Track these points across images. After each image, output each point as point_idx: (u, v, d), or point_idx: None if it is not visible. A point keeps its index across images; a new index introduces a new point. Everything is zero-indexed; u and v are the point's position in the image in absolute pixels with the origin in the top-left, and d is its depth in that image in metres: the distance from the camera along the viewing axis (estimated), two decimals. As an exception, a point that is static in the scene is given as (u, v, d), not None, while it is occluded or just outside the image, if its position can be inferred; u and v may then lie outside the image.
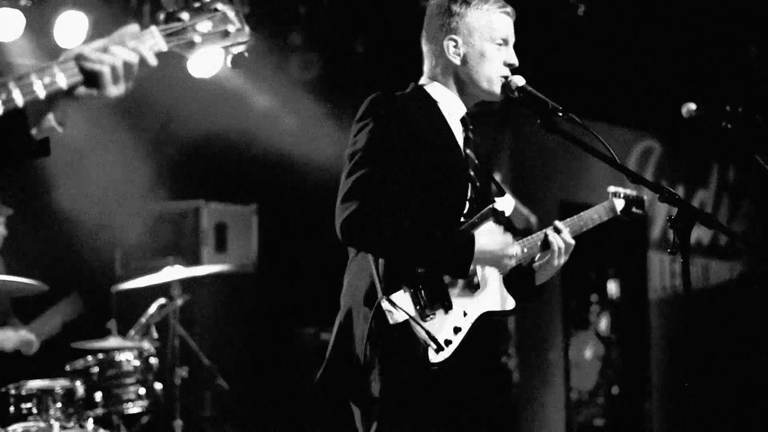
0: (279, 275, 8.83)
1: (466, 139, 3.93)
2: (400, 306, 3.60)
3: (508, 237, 3.79)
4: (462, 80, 3.93)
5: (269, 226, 9.22)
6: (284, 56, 8.35)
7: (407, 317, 3.60)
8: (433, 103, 3.92)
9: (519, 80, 3.87)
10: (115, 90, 2.61)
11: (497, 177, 4.54)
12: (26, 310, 7.03)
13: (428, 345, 3.60)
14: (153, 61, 2.65)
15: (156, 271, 7.43)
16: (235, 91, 8.39)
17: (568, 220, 4.09)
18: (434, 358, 3.61)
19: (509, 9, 3.98)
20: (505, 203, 3.93)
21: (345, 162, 3.73)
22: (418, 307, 3.64)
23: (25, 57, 7.71)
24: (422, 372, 3.63)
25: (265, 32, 7.89)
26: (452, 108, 3.94)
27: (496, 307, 3.85)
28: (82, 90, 2.62)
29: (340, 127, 7.72)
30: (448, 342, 3.66)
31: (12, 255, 7.16)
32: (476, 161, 3.93)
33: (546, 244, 3.99)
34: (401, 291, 3.64)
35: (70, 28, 7.62)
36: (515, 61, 3.94)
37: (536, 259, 4.06)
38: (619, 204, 4.26)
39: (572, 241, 4.01)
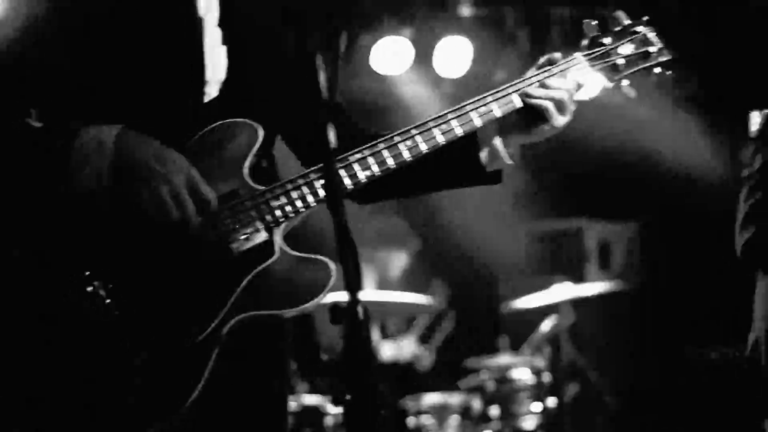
0: (664, 293, 8.67)
1: None
2: None
3: None
4: None
5: (653, 243, 9.09)
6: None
7: None
8: None
9: None
10: (561, 119, 2.71)
11: None
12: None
13: None
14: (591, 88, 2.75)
15: (540, 290, 7.52)
16: (615, 109, 8.35)
17: None
18: None
19: None
20: None
21: (743, 182, 3.70)
22: None
23: (412, 87, 7.91)
24: None
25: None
26: None
27: None
28: (529, 123, 2.74)
29: (720, 142, 7.55)
30: None
31: (414, 275, 7.49)
32: None
33: None
34: None
35: (452, 54, 7.62)
36: None
37: None
38: None
39: None
